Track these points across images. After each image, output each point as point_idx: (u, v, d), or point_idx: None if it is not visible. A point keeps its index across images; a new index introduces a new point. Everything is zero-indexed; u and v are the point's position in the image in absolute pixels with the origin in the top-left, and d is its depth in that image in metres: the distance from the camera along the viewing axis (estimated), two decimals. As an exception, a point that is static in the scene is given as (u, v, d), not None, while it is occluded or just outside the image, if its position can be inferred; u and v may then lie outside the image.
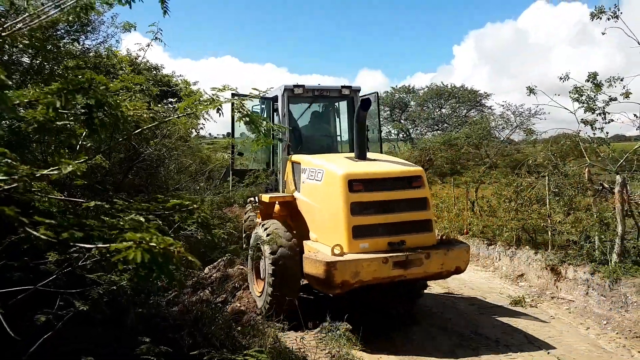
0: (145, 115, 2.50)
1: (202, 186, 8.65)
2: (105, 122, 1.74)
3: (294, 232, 7.33)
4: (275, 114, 8.44)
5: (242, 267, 8.59)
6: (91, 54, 7.06)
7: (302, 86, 8.06)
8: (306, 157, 7.42)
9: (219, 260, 8.67)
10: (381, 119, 32.70)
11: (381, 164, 6.96)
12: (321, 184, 6.68)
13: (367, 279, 5.92)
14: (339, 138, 9.18)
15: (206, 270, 8.49)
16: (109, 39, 7.93)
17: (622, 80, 9.04)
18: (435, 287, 9.49)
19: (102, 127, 1.75)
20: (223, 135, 9.91)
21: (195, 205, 1.88)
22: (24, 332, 2.57)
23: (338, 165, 6.57)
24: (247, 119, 2.43)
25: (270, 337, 5.66)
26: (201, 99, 2.49)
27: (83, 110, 1.74)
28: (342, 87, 8.48)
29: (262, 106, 8.76)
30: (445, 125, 29.71)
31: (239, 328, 5.73)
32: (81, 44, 7.23)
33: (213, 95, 2.44)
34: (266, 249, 6.87)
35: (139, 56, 7.15)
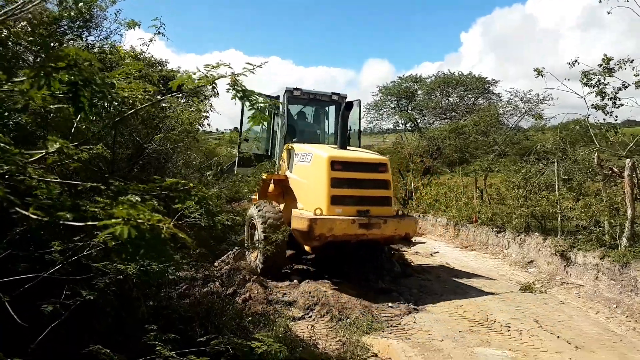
0: (140, 97, 2.51)
1: (209, 180, 8.75)
2: (93, 100, 1.73)
3: (285, 206, 9.25)
4: (276, 110, 10.17)
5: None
6: (95, 50, 7.09)
7: (300, 89, 9.92)
8: (299, 144, 9.35)
9: (229, 253, 8.80)
10: (388, 110, 32.43)
11: (357, 153, 9.02)
12: (310, 164, 8.56)
13: (339, 234, 7.74)
14: (326, 134, 11.22)
15: (216, 263, 8.60)
16: (112, 35, 7.99)
17: (632, 62, 8.95)
18: (444, 274, 9.53)
19: (91, 106, 1.74)
20: (230, 129, 10.19)
21: (191, 184, 1.89)
22: (32, 321, 2.61)
23: (324, 151, 8.48)
24: (241, 93, 2.42)
25: (281, 327, 5.74)
26: (194, 75, 2.48)
27: (68, 88, 1.72)
28: (332, 93, 10.44)
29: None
30: (453, 113, 29.49)
31: (250, 318, 5.80)
32: (84, 39, 7.26)
33: (206, 71, 2.43)
34: (258, 222, 8.59)
35: (143, 52, 7.17)
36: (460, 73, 30.43)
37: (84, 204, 1.57)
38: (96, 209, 1.42)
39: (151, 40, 6.25)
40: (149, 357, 2.69)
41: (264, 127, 10.88)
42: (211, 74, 2.36)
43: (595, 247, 8.38)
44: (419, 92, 31.81)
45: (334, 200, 7.97)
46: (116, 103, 1.92)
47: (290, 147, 9.46)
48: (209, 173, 8.66)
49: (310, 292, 7.50)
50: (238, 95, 2.42)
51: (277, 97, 10.07)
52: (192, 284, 6.69)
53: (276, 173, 9.75)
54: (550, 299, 7.90)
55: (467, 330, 6.29)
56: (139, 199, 1.56)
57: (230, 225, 9.84)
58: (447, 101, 30.94)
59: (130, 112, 2.46)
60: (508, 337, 6.07)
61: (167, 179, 1.89)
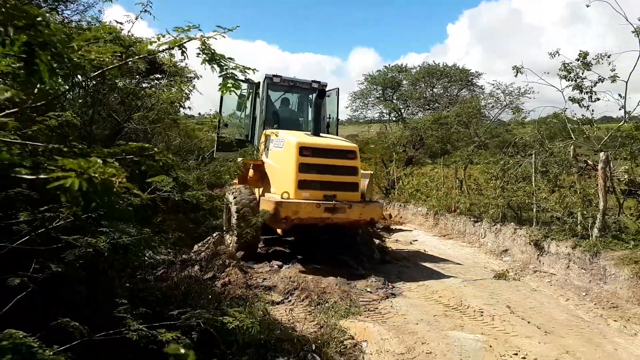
0: (107, 60, 2.48)
1: (190, 164, 8.77)
2: (52, 65, 1.67)
3: (263, 191, 9.55)
4: (257, 97, 10.57)
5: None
6: (72, 25, 6.90)
7: (280, 76, 10.22)
8: (275, 131, 9.45)
9: (209, 237, 8.85)
10: (373, 99, 32.55)
11: (328, 140, 9.21)
12: (282, 150, 8.89)
13: (304, 217, 8.15)
14: (310, 121, 11.10)
15: (195, 247, 8.65)
16: (89, 9, 7.79)
17: (609, 56, 9.14)
18: (422, 261, 9.72)
19: (50, 73, 1.68)
20: (211, 110, 10.23)
21: (155, 149, 1.91)
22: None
23: (294, 137, 8.76)
24: (210, 56, 2.41)
25: (259, 310, 5.84)
26: (163, 39, 2.44)
27: (23, 49, 1.65)
28: (313, 81, 10.65)
29: (250, 90, 10.70)
30: (437, 105, 29.72)
31: (229, 302, 5.87)
32: (60, 13, 7.05)
33: (177, 34, 2.39)
34: (232, 207, 8.78)
35: (122, 29, 7.00)
36: (444, 64, 30.65)
37: (42, 161, 1.57)
38: (54, 167, 1.41)
39: (137, 18, 6.04)
40: (118, 330, 2.70)
41: (245, 112, 11.08)
42: (180, 37, 2.34)
43: (567, 237, 8.63)
44: (404, 82, 31.96)
45: (301, 185, 8.37)
46: (69, 64, 1.88)
47: (267, 132, 9.68)
48: (191, 162, 8.68)
49: (290, 277, 7.60)
50: (207, 59, 2.40)
51: (258, 84, 10.43)
52: (171, 267, 6.73)
53: (256, 157, 9.96)
54: (523, 286, 8.13)
55: (442, 315, 6.47)
56: (100, 162, 1.54)
57: (209, 210, 9.93)
58: (431, 92, 31.14)
59: (95, 74, 2.42)
60: (481, 322, 6.27)
61: (130, 143, 1.89)
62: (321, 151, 8.67)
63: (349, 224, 8.90)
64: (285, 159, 8.71)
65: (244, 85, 10.67)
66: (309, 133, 9.35)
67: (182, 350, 0.92)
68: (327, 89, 10.86)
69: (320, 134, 9.40)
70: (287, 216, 7.99)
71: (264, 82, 10.16)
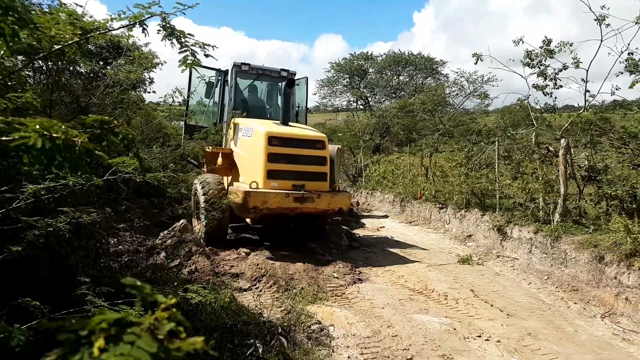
0: (67, 36, 2.46)
1: (154, 149, 8.63)
2: (15, 29, 1.66)
3: (232, 179, 9.43)
4: (225, 84, 10.47)
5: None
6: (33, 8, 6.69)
7: (248, 64, 10.12)
8: (244, 119, 9.52)
9: (175, 225, 8.72)
10: (340, 87, 32.54)
11: (297, 129, 9.16)
12: (251, 139, 8.82)
13: (273, 207, 8.10)
14: (279, 110, 10.87)
15: (161, 235, 8.51)
16: None
17: (571, 45, 9.30)
18: (389, 247, 9.79)
19: (13, 36, 1.67)
20: (179, 102, 10.02)
21: (115, 122, 1.89)
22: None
23: (264, 126, 8.65)
24: (169, 31, 2.43)
25: (226, 297, 5.79)
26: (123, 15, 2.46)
27: None
28: (281, 69, 10.61)
29: (218, 77, 10.68)
30: (403, 93, 29.93)
31: (195, 289, 5.79)
32: None
33: (137, 11, 2.41)
34: (200, 193, 8.63)
35: (85, 14, 6.82)
36: (410, 52, 30.86)
37: (5, 127, 1.54)
38: (18, 127, 1.41)
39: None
40: (80, 307, 2.67)
41: (214, 99, 10.99)
42: (140, 13, 2.33)
43: (530, 223, 8.81)
44: (370, 70, 32.05)
45: (270, 175, 8.32)
46: (32, 25, 1.85)
47: (235, 121, 9.63)
48: (155, 147, 8.54)
49: (257, 264, 7.53)
50: (167, 34, 2.41)
51: (226, 72, 10.37)
52: (136, 255, 6.60)
53: (223, 146, 9.90)
54: (487, 270, 8.29)
55: (407, 299, 6.54)
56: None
57: (174, 197, 9.81)
58: (397, 80, 31.32)
59: (56, 48, 2.39)
60: (445, 305, 6.35)
61: (90, 115, 1.89)
62: (290, 141, 8.60)
63: (318, 214, 8.88)
64: (254, 148, 8.61)
65: (212, 73, 10.66)
66: (278, 122, 9.27)
67: (139, 283, 0.91)
68: (295, 78, 10.75)
69: (289, 124, 9.35)
70: (256, 206, 7.93)
71: (232, 69, 10.05)
